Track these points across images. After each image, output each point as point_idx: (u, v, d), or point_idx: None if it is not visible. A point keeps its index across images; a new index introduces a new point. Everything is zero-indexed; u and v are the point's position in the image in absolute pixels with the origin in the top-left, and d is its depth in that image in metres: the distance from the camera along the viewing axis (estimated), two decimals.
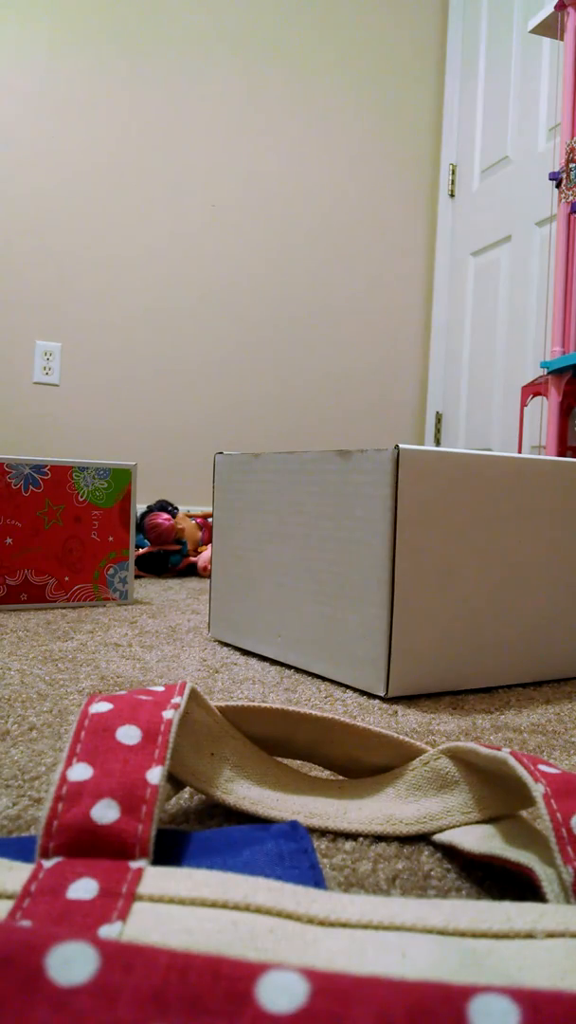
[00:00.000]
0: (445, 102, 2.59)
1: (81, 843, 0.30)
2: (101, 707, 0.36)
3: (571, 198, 1.78)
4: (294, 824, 0.35)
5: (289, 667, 0.82)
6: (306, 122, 2.45)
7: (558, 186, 1.82)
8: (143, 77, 2.23)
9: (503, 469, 0.74)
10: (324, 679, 0.77)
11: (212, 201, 2.35)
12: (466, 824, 0.39)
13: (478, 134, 2.48)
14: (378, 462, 0.70)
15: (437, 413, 2.65)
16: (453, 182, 2.58)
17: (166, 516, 1.57)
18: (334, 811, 0.42)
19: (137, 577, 1.52)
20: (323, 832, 0.41)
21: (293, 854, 0.33)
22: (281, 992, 0.16)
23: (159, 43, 2.25)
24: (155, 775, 0.32)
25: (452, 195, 2.59)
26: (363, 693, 0.73)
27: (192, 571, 1.61)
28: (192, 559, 1.60)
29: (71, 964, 0.16)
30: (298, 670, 0.81)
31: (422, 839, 0.41)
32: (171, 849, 0.34)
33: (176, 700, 0.39)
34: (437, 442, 2.65)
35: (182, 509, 2.09)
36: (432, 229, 2.64)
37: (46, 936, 0.17)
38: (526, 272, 2.28)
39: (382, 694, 0.70)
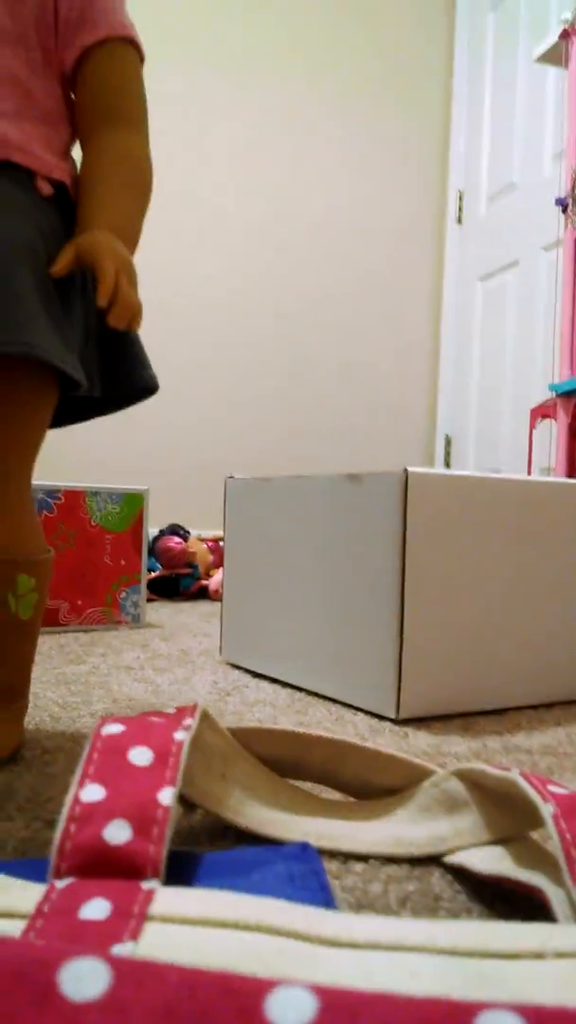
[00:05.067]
0: (452, 129, 2.62)
1: (93, 864, 0.30)
2: (113, 729, 0.36)
3: None
4: (304, 845, 0.35)
5: (300, 690, 0.82)
6: (312, 147, 2.48)
7: (564, 211, 1.83)
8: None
9: (511, 491, 0.75)
10: (335, 701, 0.77)
11: (220, 225, 2.38)
12: (476, 845, 0.39)
13: (484, 160, 2.51)
14: (387, 485, 0.70)
15: (446, 436, 2.66)
16: (460, 208, 2.60)
17: (178, 540, 1.58)
18: (345, 833, 0.42)
19: (149, 601, 1.53)
20: (334, 854, 0.41)
21: (303, 875, 0.33)
22: (290, 1008, 0.16)
23: (177, 59, 2.29)
24: (167, 796, 0.33)
25: (459, 221, 2.61)
26: (374, 715, 0.73)
27: (204, 594, 1.62)
28: (204, 582, 1.61)
29: (83, 980, 0.17)
30: (309, 692, 0.81)
31: (433, 860, 0.41)
32: (182, 870, 0.34)
33: (188, 722, 0.39)
34: (447, 465, 2.65)
35: (193, 533, 2.09)
36: (440, 255, 2.66)
37: (59, 952, 0.17)
38: (533, 296, 2.29)
39: (393, 716, 0.70)
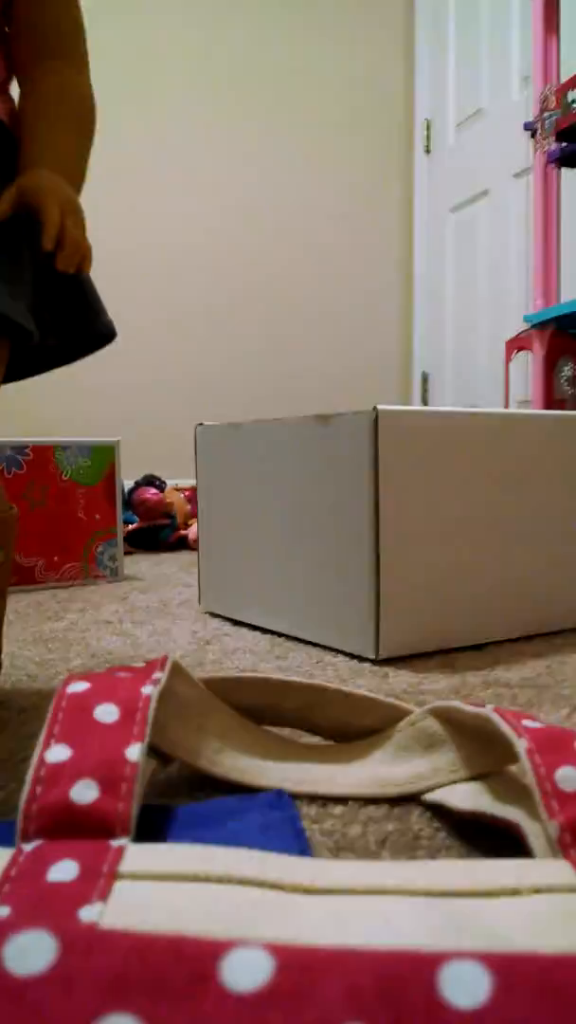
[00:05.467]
0: (416, 56, 2.54)
1: (61, 825, 0.30)
2: (78, 687, 0.36)
3: (547, 148, 1.76)
4: (279, 792, 0.35)
5: (280, 635, 0.82)
6: (275, 85, 2.40)
7: (533, 136, 1.79)
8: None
9: (482, 426, 0.74)
10: (316, 645, 0.77)
11: (186, 167, 2.31)
12: (455, 782, 0.39)
13: (451, 87, 2.44)
14: (357, 425, 0.69)
15: (423, 373, 2.64)
16: (428, 138, 2.54)
17: (154, 491, 1.56)
18: (323, 776, 0.42)
19: (128, 554, 1.52)
20: (313, 798, 0.41)
21: (278, 823, 0.33)
22: (245, 970, 0.16)
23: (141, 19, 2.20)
24: (134, 752, 0.32)
25: (428, 151, 2.55)
26: (354, 657, 0.72)
27: (183, 544, 1.61)
28: (183, 532, 1.60)
29: (28, 954, 0.16)
30: (289, 637, 0.81)
31: (412, 799, 0.41)
32: (156, 825, 0.34)
33: (156, 675, 0.38)
34: (425, 402, 2.63)
35: (170, 482, 2.08)
36: (409, 187, 2.61)
37: (1, 926, 0.16)
38: (505, 226, 2.25)
39: (372, 656, 0.70)
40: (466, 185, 2.39)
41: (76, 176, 0.57)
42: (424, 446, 0.70)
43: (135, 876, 0.27)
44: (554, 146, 1.75)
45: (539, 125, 1.79)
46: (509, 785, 0.37)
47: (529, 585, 0.78)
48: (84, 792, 0.30)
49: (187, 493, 1.66)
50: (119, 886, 0.26)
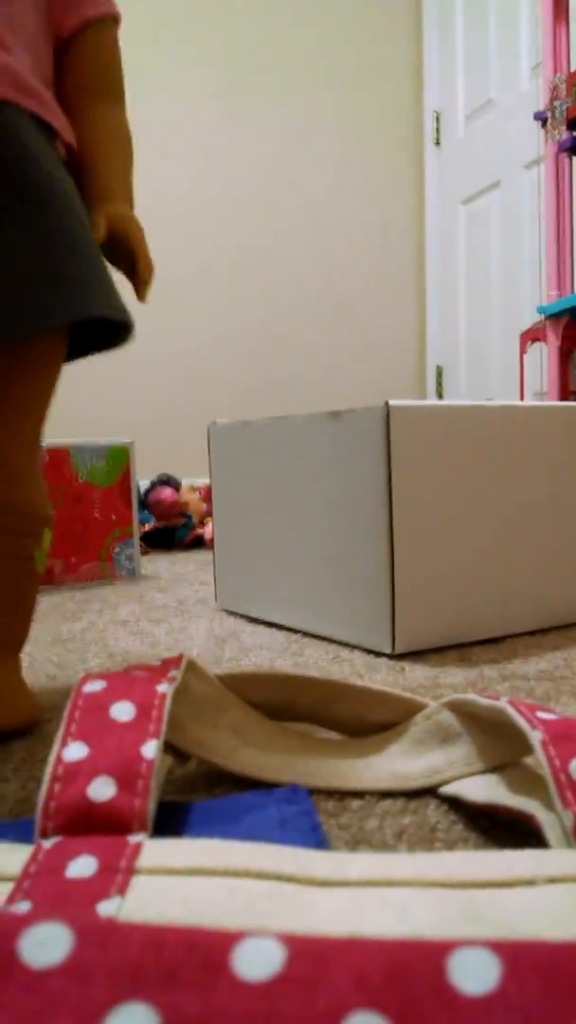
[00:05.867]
0: (424, 48, 2.53)
1: (79, 822, 0.30)
2: (94, 686, 0.36)
3: (558, 137, 1.74)
4: (294, 787, 0.35)
5: (297, 631, 0.82)
6: (282, 77, 2.40)
7: (543, 125, 1.78)
8: None
9: (495, 419, 0.74)
10: (332, 641, 0.77)
11: (193, 162, 2.31)
12: (471, 775, 0.39)
13: (460, 79, 2.42)
14: (369, 421, 0.69)
15: (437, 367, 2.63)
16: (438, 130, 2.53)
17: (169, 490, 1.57)
18: (340, 771, 0.42)
19: (145, 553, 1.52)
20: (330, 793, 0.41)
21: (295, 817, 0.33)
22: (257, 959, 0.16)
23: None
24: (150, 749, 0.32)
25: (437, 143, 2.54)
26: (370, 652, 0.73)
27: (200, 543, 1.61)
28: (199, 531, 1.60)
29: (45, 946, 0.16)
30: (306, 634, 0.81)
31: (428, 792, 0.41)
32: (173, 821, 0.34)
33: (172, 673, 0.39)
34: (439, 395, 2.63)
35: (185, 482, 2.08)
36: (420, 179, 2.60)
37: (19, 919, 0.17)
38: (517, 217, 2.24)
39: (388, 651, 0.70)
40: (477, 177, 2.38)
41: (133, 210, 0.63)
42: (436, 440, 0.70)
43: (152, 871, 0.27)
44: (565, 135, 1.73)
45: (549, 114, 1.77)
46: (525, 776, 0.37)
47: (545, 577, 0.78)
48: (102, 789, 0.31)
49: (202, 492, 1.67)
50: (137, 881, 0.27)
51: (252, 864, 0.27)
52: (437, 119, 2.53)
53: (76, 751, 0.32)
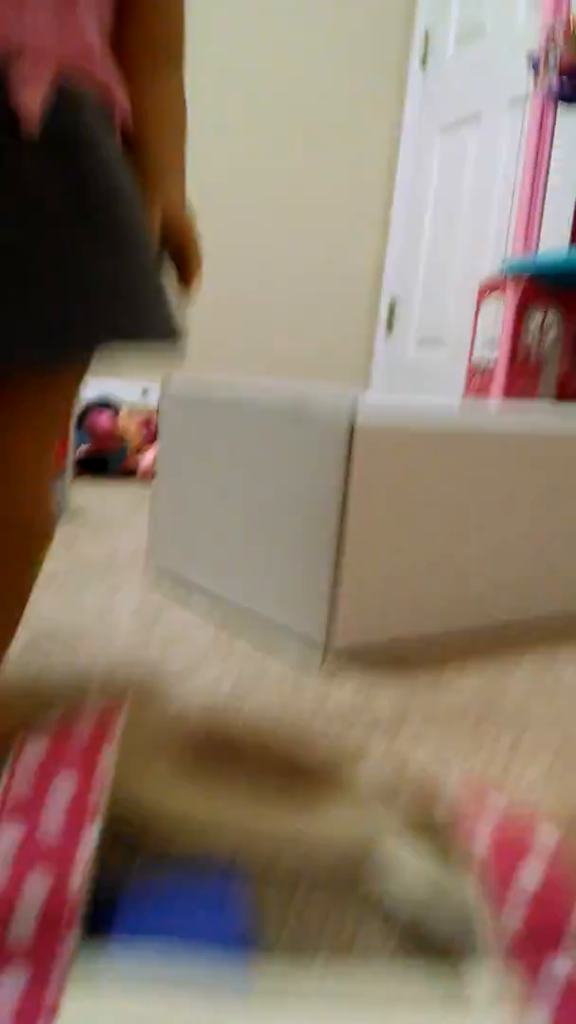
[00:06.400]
0: None
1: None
2: (32, 755, 0.34)
3: (548, 83, 1.67)
4: (229, 866, 0.34)
5: (230, 604, 0.80)
6: None
7: (535, 68, 1.69)
8: None
9: (456, 442, 0.72)
10: (266, 624, 0.76)
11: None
12: (406, 845, 0.39)
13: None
14: (332, 433, 0.66)
15: (391, 298, 2.57)
16: (425, 50, 2.39)
17: (107, 415, 1.51)
18: (271, 839, 0.41)
19: (76, 476, 1.47)
20: (263, 868, 0.40)
21: (227, 900, 0.32)
22: None
23: None
24: (88, 833, 0.31)
25: (424, 64, 2.41)
26: (305, 640, 0.71)
27: (133, 474, 1.57)
28: (134, 460, 1.55)
29: None
30: (239, 609, 0.79)
31: (361, 869, 0.40)
32: (103, 915, 0.32)
33: (111, 735, 0.37)
34: (390, 327, 2.58)
35: (126, 398, 2.01)
36: (400, 99, 2.47)
37: None
38: (494, 157, 2.16)
39: (322, 640, 0.69)
40: (459, 105, 2.27)
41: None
42: (397, 457, 0.68)
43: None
44: (555, 81, 1.66)
45: (542, 57, 1.69)
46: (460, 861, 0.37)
47: (480, 581, 0.78)
48: (34, 887, 0.29)
49: (142, 421, 1.61)
50: None
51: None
52: (427, 38, 2.39)
53: (10, 835, 0.30)
